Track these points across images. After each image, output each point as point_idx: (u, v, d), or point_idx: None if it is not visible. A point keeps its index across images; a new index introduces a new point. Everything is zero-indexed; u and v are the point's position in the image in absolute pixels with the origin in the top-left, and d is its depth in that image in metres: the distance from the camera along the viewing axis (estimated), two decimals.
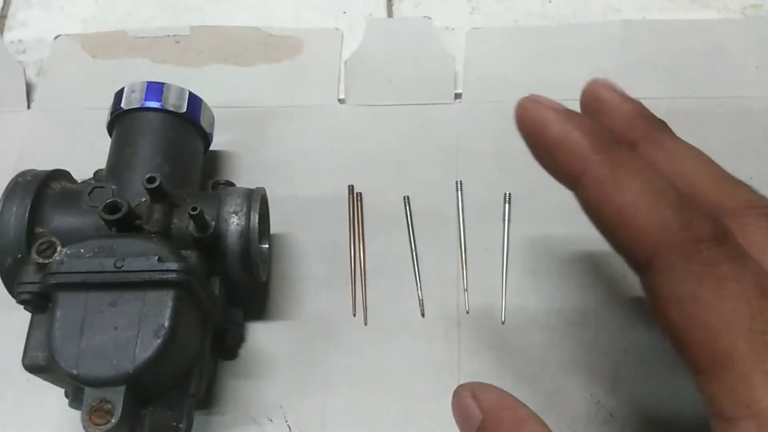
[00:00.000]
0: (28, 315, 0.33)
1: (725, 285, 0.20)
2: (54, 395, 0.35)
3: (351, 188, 0.43)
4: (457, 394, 0.25)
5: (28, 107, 0.47)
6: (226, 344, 0.37)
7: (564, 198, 0.42)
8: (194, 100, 0.39)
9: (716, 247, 0.21)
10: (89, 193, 0.34)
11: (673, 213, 0.21)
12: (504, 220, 0.42)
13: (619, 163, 0.23)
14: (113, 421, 0.28)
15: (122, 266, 0.30)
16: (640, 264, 0.22)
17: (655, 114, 0.45)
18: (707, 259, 0.21)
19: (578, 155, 0.23)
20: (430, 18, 0.49)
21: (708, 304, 0.20)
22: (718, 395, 0.21)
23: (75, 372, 0.28)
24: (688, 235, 0.21)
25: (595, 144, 0.23)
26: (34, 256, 0.31)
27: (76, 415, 0.30)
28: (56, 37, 0.50)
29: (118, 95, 0.39)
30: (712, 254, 0.21)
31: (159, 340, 0.29)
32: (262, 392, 0.38)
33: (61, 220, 0.34)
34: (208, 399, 0.37)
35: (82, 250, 0.31)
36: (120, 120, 0.38)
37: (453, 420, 0.36)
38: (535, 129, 0.24)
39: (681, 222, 0.21)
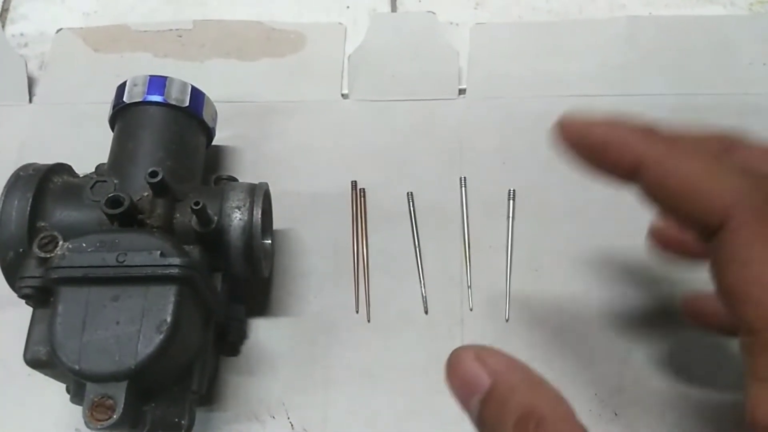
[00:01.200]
0: (28, 310, 0.32)
1: None
2: (55, 390, 0.35)
3: (354, 184, 0.43)
4: (457, 357, 0.22)
5: (30, 101, 0.47)
6: (228, 340, 0.37)
7: (568, 195, 0.43)
8: (197, 95, 0.39)
9: None
10: (91, 188, 0.34)
11: (740, 178, 0.22)
12: (508, 217, 0.42)
13: (671, 143, 0.24)
14: (115, 416, 0.28)
15: (124, 261, 0.30)
16: (711, 229, 0.22)
17: (661, 111, 0.45)
18: None
19: (632, 145, 0.24)
20: (434, 13, 0.48)
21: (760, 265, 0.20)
22: (761, 358, 0.20)
23: (77, 367, 0.28)
24: (761, 195, 0.22)
25: (642, 133, 0.24)
26: (35, 250, 0.31)
27: (77, 410, 0.30)
28: (58, 31, 0.50)
29: (121, 89, 0.38)
30: None
31: (161, 336, 0.29)
32: (264, 389, 0.37)
33: (63, 214, 0.33)
34: (209, 395, 0.37)
35: (83, 245, 0.31)
36: (122, 114, 0.38)
37: (455, 418, 0.36)
38: (583, 135, 0.25)
39: (751, 185, 0.22)
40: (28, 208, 0.33)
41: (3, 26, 0.51)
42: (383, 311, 0.39)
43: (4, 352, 0.38)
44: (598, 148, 0.25)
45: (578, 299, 0.39)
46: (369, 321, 0.39)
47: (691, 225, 0.23)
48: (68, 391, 0.32)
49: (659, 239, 0.31)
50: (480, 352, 0.22)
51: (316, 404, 0.37)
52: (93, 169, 0.38)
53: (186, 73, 0.40)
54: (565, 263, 0.40)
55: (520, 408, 0.21)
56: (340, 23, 0.49)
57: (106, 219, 0.33)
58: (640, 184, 0.24)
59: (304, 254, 0.41)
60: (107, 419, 0.28)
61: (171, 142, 0.37)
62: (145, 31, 0.49)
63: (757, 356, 0.20)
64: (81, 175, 0.37)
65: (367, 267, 0.40)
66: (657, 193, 0.24)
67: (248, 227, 0.34)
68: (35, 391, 0.37)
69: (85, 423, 0.28)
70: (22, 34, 0.51)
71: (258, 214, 0.34)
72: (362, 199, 0.42)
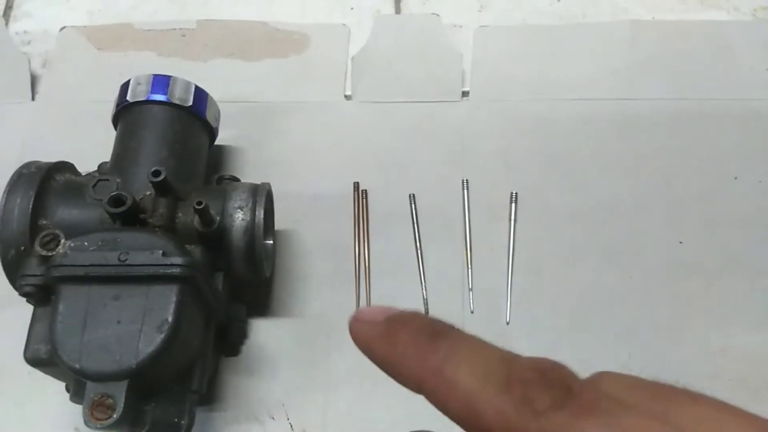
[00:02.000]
0: (28, 309, 0.32)
1: None
2: (54, 389, 0.35)
3: (356, 185, 0.43)
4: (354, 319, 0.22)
5: (33, 99, 0.47)
6: (229, 340, 0.37)
7: (570, 198, 0.43)
8: (200, 94, 0.39)
9: (558, 413, 0.20)
10: (94, 186, 0.34)
11: (501, 395, 0.21)
12: (510, 219, 0.42)
13: (446, 362, 0.22)
14: (115, 416, 0.27)
15: (126, 260, 0.30)
16: None
17: (662, 115, 0.45)
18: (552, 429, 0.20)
19: (409, 369, 0.23)
20: (438, 15, 0.48)
21: None
22: None
23: (77, 366, 0.28)
24: (524, 413, 0.20)
25: (419, 350, 0.22)
26: (37, 248, 0.31)
27: (76, 409, 0.30)
28: (62, 29, 0.49)
29: (124, 88, 0.38)
30: (555, 422, 0.20)
31: (162, 335, 0.29)
32: (264, 389, 0.37)
33: (65, 212, 0.33)
34: (209, 395, 0.37)
35: (85, 243, 0.30)
36: (125, 113, 0.38)
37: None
38: (367, 350, 0.24)
39: (513, 402, 0.20)
40: (31, 206, 0.33)
41: (7, 24, 0.51)
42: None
43: (3, 351, 0.38)
44: (382, 366, 0.24)
45: (579, 302, 0.39)
46: None
47: None
48: (68, 389, 0.32)
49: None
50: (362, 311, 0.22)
51: (316, 405, 0.37)
52: (95, 168, 0.38)
53: (189, 72, 0.40)
54: (566, 266, 0.40)
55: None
56: (343, 24, 0.49)
57: (108, 218, 0.33)
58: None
59: (305, 255, 0.41)
60: (107, 418, 0.27)
61: (174, 142, 0.37)
62: (148, 30, 0.49)
63: None
64: (83, 174, 0.37)
65: (368, 268, 0.40)
66: (448, 416, 0.23)
67: (250, 227, 0.34)
68: (35, 390, 0.37)
69: (85, 422, 0.28)
70: (25, 32, 0.51)
71: (260, 214, 0.34)
72: (364, 200, 0.42)
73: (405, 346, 0.23)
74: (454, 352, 0.22)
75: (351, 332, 0.25)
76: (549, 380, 0.20)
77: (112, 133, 0.39)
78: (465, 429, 0.22)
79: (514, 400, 0.20)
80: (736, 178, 0.43)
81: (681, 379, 0.37)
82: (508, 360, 0.21)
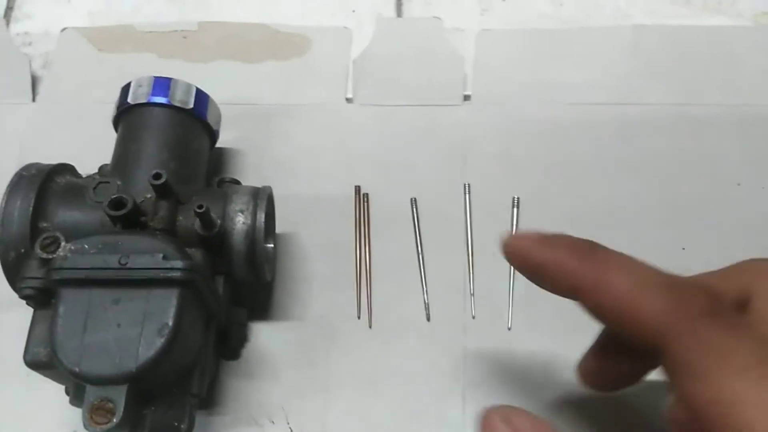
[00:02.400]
0: (27, 312, 0.32)
1: (724, 357, 0.21)
2: (54, 392, 0.35)
3: (357, 189, 0.43)
4: (487, 418, 0.24)
5: (33, 100, 0.47)
6: (229, 344, 0.37)
7: (572, 203, 0.42)
8: (201, 96, 0.39)
9: (710, 319, 0.21)
10: (94, 188, 0.34)
11: (665, 296, 0.23)
12: (512, 224, 0.41)
13: (603, 266, 0.24)
14: (115, 420, 0.27)
15: (126, 263, 0.29)
16: (652, 349, 0.23)
17: (664, 120, 0.45)
18: (704, 333, 0.22)
19: (567, 269, 0.25)
20: (439, 18, 0.48)
21: (709, 379, 0.21)
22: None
23: (77, 369, 0.28)
24: (684, 312, 0.22)
25: (577, 255, 0.25)
26: (37, 250, 0.31)
27: (75, 412, 0.30)
28: (63, 30, 0.49)
29: (125, 90, 0.38)
30: (708, 327, 0.22)
31: (163, 339, 0.29)
32: (264, 393, 0.37)
33: (66, 214, 0.33)
34: (209, 399, 0.37)
35: (86, 246, 0.30)
36: (126, 115, 0.38)
37: (456, 426, 0.36)
38: (522, 259, 0.27)
39: (674, 303, 0.23)
40: (31, 209, 0.32)
41: (8, 25, 0.50)
42: (385, 317, 0.39)
43: (2, 353, 0.37)
44: (538, 271, 0.26)
45: (582, 308, 0.39)
46: (370, 327, 0.39)
47: (634, 342, 0.24)
48: (67, 393, 0.32)
49: (588, 377, 0.31)
50: (509, 414, 0.24)
51: (316, 410, 0.37)
52: (96, 170, 0.38)
53: (190, 74, 0.40)
54: None
55: None
56: (345, 27, 0.49)
57: (109, 220, 0.32)
58: (584, 308, 0.25)
59: (306, 258, 0.41)
60: (107, 423, 0.27)
61: (175, 144, 0.37)
62: (149, 32, 0.49)
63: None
64: (84, 176, 0.37)
65: (369, 273, 0.40)
66: (596, 314, 0.25)
67: (251, 231, 0.34)
68: (34, 393, 0.37)
69: (84, 426, 0.27)
70: (26, 33, 0.50)
71: (261, 217, 0.34)
72: (365, 204, 0.42)
73: (565, 250, 0.25)
74: (612, 258, 0.25)
75: (505, 249, 0.28)
76: (704, 290, 0.22)
77: (112, 135, 0.39)
78: (616, 328, 0.24)
79: (672, 301, 0.22)
80: (738, 184, 0.43)
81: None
82: (663, 271, 0.23)
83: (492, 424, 0.23)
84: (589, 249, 0.25)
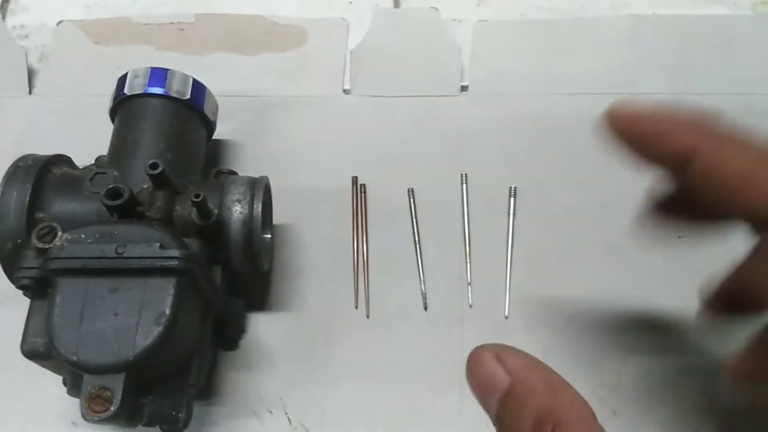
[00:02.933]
0: (24, 304, 0.32)
1: None
2: (52, 383, 0.35)
3: (355, 180, 0.43)
4: (477, 356, 0.22)
5: (30, 93, 0.47)
6: (227, 335, 0.37)
7: (570, 193, 0.42)
8: (198, 88, 0.39)
9: None
10: (91, 179, 0.34)
11: None
12: (509, 214, 0.41)
13: (724, 135, 0.24)
14: (112, 409, 0.27)
15: (123, 252, 0.29)
16: (763, 221, 0.23)
17: None
18: None
19: (685, 134, 0.24)
20: (437, 9, 0.48)
21: None
22: None
23: (74, 358, 0.28)
24: None
25: (695, 123, 0.25)
26: (34, 241, 0.31)
27: (74, 403, 0.30)
28: (59, 23, 0.49)
29: (122, 81, 0.38)
30: None
31: (160, 328, 0.29)
32: (262, 384, 0.37)
33: (62, 205, 0.33)
34: (207, 389, 0.37)
35: (82, 236, 0.30)
36: (123, 106, 0.38)
37: (454, 416, 0.36)
38: (635, 124, 0.26)
39: None
40: (27, 199, 0.32)
41: (4, 17, 0.50)
42: (383, 307, 0.39)
43: (1, 345, 0.38)
44: (651, 136, 0.25)
45: (578, 297, 0.39)
46: (368, 317, 0.39)
47: (739, 216, 0.24)
48: (65, 383, 0.32)
49: (746, 373, 0.28)
50: (500, 351, 0.22)
51: (315, 400, 0.37)
52: (92, 162, 0.38)
53: (187, 66, 0.40)
54: (565, 261, 0.40)
55: (537, 410, 0.21)
56: (342, 18, 0.49)
57: (106, 211, 0.32)
58: (691, 174, 0.25)
59: (303, 249, 0.41)
60: (104, 411, 0.27)
61: (171, 135, 0.37)
62: (146, 24, 0.49)
63: None
64: (80, 167, 0.37)
65: (366, 263, 0.40)
66: (708, 183, 0.24)
67: (248, 221, 0.34)
68: (32, 384, 0.37)
69: (82, 415, 0.28)
70: (22, 26, 0.50)
71: (258, 207, 0.34)
72: (363, 194, 0.42)
73: (683, 117, 0.25)
74: (732, 134, 0.24)
75: (611, 116, 0.27)
76: None
77: (109, 127, 0.39)
78: (727, 200, 0.24)
79: None
80: None
81: (683, 376, 0.37)
82: None
83: (483, 364, 0.22)
84: (707, 120, 0.25)
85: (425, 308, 0.39)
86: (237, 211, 0.34)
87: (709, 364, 0.37)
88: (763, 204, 0.23)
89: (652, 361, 0.37)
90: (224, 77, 0.46)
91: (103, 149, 0.38)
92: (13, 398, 0.37)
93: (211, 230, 0.33)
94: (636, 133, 0.26)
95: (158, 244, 0.30)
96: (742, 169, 0.23)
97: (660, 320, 0.39)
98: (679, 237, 0.41)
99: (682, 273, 0.40)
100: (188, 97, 0.38)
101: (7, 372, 0.37)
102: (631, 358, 0.37)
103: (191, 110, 0.38)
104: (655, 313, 0.39)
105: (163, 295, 0.29)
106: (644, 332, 0.38)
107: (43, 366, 0.32)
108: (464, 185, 0.42)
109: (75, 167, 0.37)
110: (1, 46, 0.48)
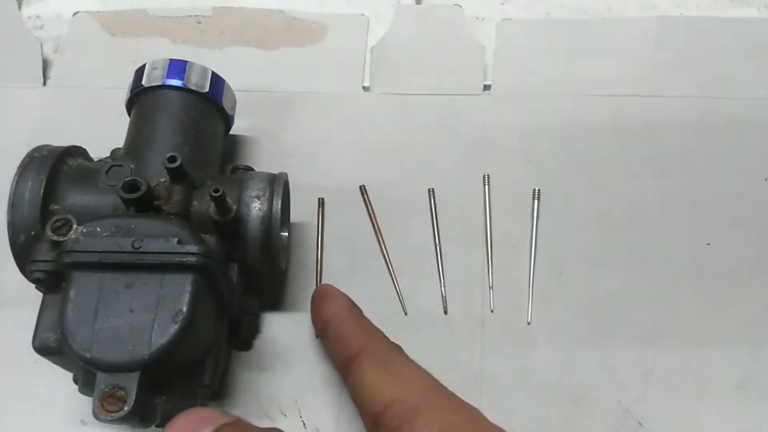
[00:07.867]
0: (35, 299, 0.31)
1: None
2: (61, 380, 0.34)
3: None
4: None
5: (44, 84, 0.46)
6: (241, 334, 0.36)
7: (594, 196, 0.41)
8: (217, 81, 0.38)
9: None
10: (107, 172, 0.33)
11: None
12: (532, 216, 0.40)
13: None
14: (126, 408, 0.26)
15: (140, 247, 0.28)
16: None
17: (691, 114, 0.43)
18: None
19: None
20: (460, 6, 0.47)
21: None
22: None
23: (88, 355, 0.27)
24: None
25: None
26: (48, 233, 0.30)
27: (83, 401, 0.29)
28: (75, 14, 0.49)
29: (139, 72, 0.37)
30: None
31: (177, 326, 0.28)
32: (276, 386, 0.36)
33: (77, 197, 0.32)
34: (220, 390, 0.36)
35: (98, 229, 0.29)
36: (140, 98, 0.37)
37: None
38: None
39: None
40: (42, 191, 0.31)
41: (19, 8, 0.50)
42: (402, 310, 0.38)
43: (9, 341, 0.37)
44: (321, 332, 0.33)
45: (603, 303, 0.38)
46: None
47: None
48: (75, 381, 0.31)
49: None
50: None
51: (330, 404, 0.36)
52: (107, 155, 0.37)
53: (204, 60, 0.39)
54: (589, 266, 0.39)
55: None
56: (362, 14, 0.48)
57: (122, 204, 0.32)
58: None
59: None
60: (118, 411, 0.26)
61: (189, 128, 0.36)
62: (163, 17, 0.48)
63: None
64: (96, 160, 0.36)
65: (389, 264, 0.39)
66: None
67: (267, 217, 0.33)
68: (41, 381, 0.36)
69: (94, 414, 0.27)
70: (38, 17, 0.50)
71: (278, 204, 0.33)
72: (367, 195, 0.41)
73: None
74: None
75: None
76: None
77: (124, 120, 0.38)
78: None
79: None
80: (766, 179, 0.41)
81: (707, 387, 0.36)
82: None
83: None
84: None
85: (445, 311, 0.38)
86: (256, 207, 0.33)
87: (737, 377, 0.36)
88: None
89: (679, 371, 0.36)
90: (242, 72, 0.45)
91: (118, 142, 0.37)
92: (22, 395, 0.36)
93: (229, 226, 0.32)
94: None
95: (176, 239, 0.29)
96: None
97: (687, 329, 0.37)
98: (708, 244, 0.40)
99: (711, 281, 0.39)
100: (207, 90, 0.37)
101: (15, 369, 0.37)
102: (659, 368, 0.36)
103: (210, 104, 0.37)
104: (683, 322, 0.38)
105: (180, 292, 0.28)
106: (671, 341, 0.37)
107: (54, 362, 0.31)
108: (486, 186, 0.41)
109: (90, 159, 0.36)
110: (16, 36, 0.47)
